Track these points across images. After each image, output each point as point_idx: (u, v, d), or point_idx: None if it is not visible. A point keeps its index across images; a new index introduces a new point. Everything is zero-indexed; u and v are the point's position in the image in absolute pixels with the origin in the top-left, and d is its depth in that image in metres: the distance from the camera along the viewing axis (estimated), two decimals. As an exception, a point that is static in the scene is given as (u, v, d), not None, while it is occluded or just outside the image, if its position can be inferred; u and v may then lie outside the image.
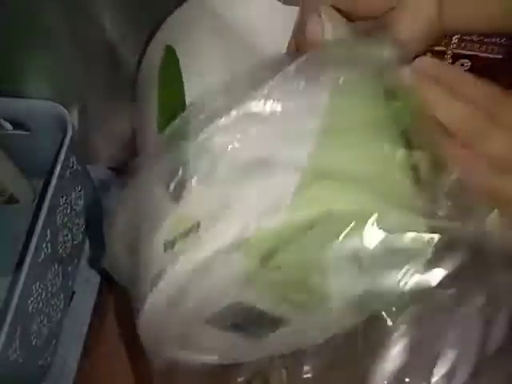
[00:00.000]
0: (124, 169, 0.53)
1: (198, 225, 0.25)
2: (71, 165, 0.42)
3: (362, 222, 0.23)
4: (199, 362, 0.35)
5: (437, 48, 0.41)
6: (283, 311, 0.30)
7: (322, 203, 0.23)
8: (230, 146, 0.25)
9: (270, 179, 0.24)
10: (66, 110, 0.42)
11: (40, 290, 0.38)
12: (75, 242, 0.45)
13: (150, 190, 0.28)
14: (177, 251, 0.25)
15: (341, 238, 0.24)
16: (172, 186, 0.27)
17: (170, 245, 0.25)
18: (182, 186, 0.26)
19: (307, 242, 0.24)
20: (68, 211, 0.42)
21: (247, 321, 0.30)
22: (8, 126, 0.45)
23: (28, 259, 0.35)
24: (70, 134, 0.41)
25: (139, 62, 0.40)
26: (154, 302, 0.27)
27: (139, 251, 0.28)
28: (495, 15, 0.30)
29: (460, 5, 0.29)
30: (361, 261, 0.25)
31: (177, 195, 0.26)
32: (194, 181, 0.26)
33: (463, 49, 0.41)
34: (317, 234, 0.24)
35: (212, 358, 0.35)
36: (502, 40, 0.38)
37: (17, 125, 0.45)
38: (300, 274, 0.26)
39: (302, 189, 0.23)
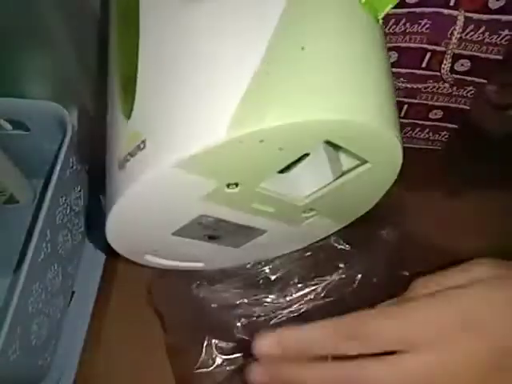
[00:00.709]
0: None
1: (144, 142, 0.24)
2: (71, 165, 0.42)
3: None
4: (186, 269, 0.37)
5: (437, 48, 0.41)
6: (255, 222, 0.31)
7: (271, 117, 0.22)
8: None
9: (215, 82, 0.23)
10: (65, 110, 0.42)
11: (40, 290, 0.38)
12: (75, 242, 0.45)
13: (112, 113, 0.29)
14: (127, 171, 0.25)
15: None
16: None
17: (122, 164, 0.25)
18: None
19: (258, 154, 0.23)
20: (68, 211, 0.42)
21: (220, 231, 0.31)
22: (8, 126, 0.45)
23: (28, 259, 0.35)
24: (69, 134, 0.41)
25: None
26: (116, 221, 0.27)
27: (107, 170, 0.29)
28: None
29: None
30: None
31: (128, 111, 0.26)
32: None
33: (463, 49, 0.41)
34: (268, 146, 0.23)
35: (198, 265, 0.38)
36: (503, 40, 0.38)
37: (17, 125, 0.45)
38: (257, 184, 0.26)
39: (249, 100, 0.22)
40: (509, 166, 0.51)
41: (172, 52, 0.25)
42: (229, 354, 0.40)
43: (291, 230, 0.33)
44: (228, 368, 0.40)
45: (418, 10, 0.38)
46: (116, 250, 0.31)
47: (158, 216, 0.28)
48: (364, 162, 0.27)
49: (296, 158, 0.25)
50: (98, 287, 0.45)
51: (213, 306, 0.40)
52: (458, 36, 0.39)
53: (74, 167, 0.42)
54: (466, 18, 0.37)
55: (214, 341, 0.40)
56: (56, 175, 0.39)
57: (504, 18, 0.36)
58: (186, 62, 0.24)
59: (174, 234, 0.30)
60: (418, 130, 0.50)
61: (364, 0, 0.25)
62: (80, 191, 0.45)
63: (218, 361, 0.40)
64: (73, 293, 0.45)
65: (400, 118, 0.51)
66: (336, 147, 0.29)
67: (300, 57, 0.23)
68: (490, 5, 0.36)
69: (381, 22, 0.27)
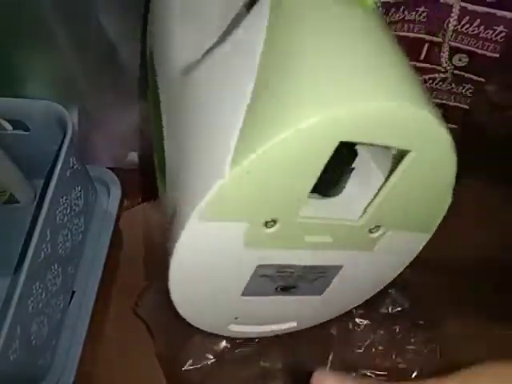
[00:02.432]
0: (124, 169, 0.53)
1: (176, 208, 0.24)
2: (71, 165, 0.42)
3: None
4: (278, 332, 0.33)
5: (435, 39, 0.42)
6: (322, 258, 0.27)
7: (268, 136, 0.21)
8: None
9: (214, 134, 0.23)
10: (65, 110, 0.42)
11: (40, 290, 0.38)
12: (75, 242, 0.45)
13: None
14: (171, 240, 0.24)
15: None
16: None
17: (167, 234, 0.25)
18: None
19: (272, 180, 0.22)
20: (68, 211, 0.42)
21: (291, 280, 0.28)
22: (8, 126, 0.45)
23: (28, 259, 0.35)
24: (69, 133, 0.41)
25: (139, 63, 0.40)
26: (182, 295, 0.27)
27: None
28: None
29: None
30: None
31: None
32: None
33: (460, 42, 0.41)
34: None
35: (290, 326, 0.33)
36: (498, 37, 0.39)
37: (17, 125, 0.45)
38: (296, 214, 0.24)
39: (243, 135, 0.21)
40: (509, 167, 0.51)
41: (181, 124, 0.26)
42: (218, 351, 0.39)
43: (372, 258, 0.28)
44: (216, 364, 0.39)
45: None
46: (200, 327, 0.30)
47: (217, 279, 0.27)
48: (405, 152, 0.23)
49: (316, 171, 0.22)
50: (98, 287, 0.45)
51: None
52: (454, 23, 0.39)
53: (74, 167, 0.42)
54: (461, 7, 0.37)
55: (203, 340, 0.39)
56: (56, 175, 0.39)
57: (499, 12, 0.37)
58: (190, 129, 0.25)
59: (243, 294, 0.28)
60: (418, 129, 0.50)
61: None
62: (80, 191, 0.45)
63: (209, 357, 0.39)
64: (73, 293, 0.45)
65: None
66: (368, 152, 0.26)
67: (285, 74, 0.22)
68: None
69: (377, 8, 0.25)
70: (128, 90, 0.45)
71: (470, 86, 0.45)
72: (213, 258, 0.25)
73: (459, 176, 0.26)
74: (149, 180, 0.54)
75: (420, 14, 0.40)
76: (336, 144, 0.21)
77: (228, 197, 0.22)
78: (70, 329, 0.44)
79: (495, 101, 0.48)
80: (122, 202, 0.50)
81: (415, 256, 0.29)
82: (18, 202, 0.49)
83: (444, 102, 0.47)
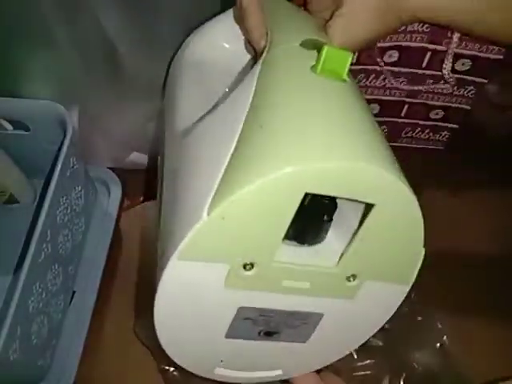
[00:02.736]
0: (124, 169, 0.53)
1: (162, 253, 0.26)
2: (71, 165, 0.42)
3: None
4: (265, 380, 0.34)
5: (438, 48, 0.41)
6: (302, 305, 0.28)
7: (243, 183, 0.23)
8: None
9: (200, 182, 0.26)
10: (66, 110, 0.42)
11: (40, 290, 0.38)
12: (75, 242, 0.45)
13: None
14: (158, 285, 0.26)
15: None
16: None
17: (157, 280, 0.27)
18: None
19: (247, 225, 0.24)
20: (68, 211, 0.42)
21: (273, 324, 0.29)
22: (8, 126, 0.45)
23: (28, 259, 0.35)
24: (70, 134, 0.41)
25: (140, 65, 0.40)
26: (166, 335, 0.28)
27: None
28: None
29: None
30: None
31: None
32: None
33: (464, 48, 0.41)
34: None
35: (276, 374, 0.34)
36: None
37: (17, 125, 0.45)
38: (271, 258, 0.25)
39: (222, 181, 0.24)
40: (509, 167, 0.51)
41: (175, 176, 0.29)
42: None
43: (352, 309, 0.29)
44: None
45: None
46: (184, 368, 0.31)
47: (200, 319, 0.28)
48: (370, 205, 0.25)
49: (287, 220, 0.24)
50: (98, 287, 0.45)
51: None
52: (459, 35, 0.39)
53: (74, 167, 0.42)
54: None
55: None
56: (56, 175, 0.39)
57: None
58: (180, 181, 0.28)
59: (227, 336, 0.29)
60: (418, 130, 0.50)
61: (319, 69, 0.26)
62: (80, 191, 0.45)
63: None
64: (73, 293, 0.45)
65: (400, 117, 0.52)
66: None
67: (259, 134, 0.25)
68: None
69: (348, 78, 0.28)
70: (128, 90, 0.45)
71: (472, 87, 0.45)
72: (195, 298, 0.27)
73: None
74: (149, 180, 0.54)
75: (423, 25, 0.40)
76: (302, 195, 0.23)
77: (205, 239, 0.24)
78: (70, 329, 0.44)
79: (496, 101, 0.48)
80: (122, 201, 0.50)
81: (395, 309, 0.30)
82: (18, 202, 0.49)
83: (446, 104, 0.47)
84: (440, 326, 0.44)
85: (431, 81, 0.45)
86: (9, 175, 0.47)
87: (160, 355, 0.42)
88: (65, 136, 0.41)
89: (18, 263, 0.45)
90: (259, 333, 0.29)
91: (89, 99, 0.45)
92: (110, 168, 0.51)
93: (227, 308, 0.27)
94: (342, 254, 0.27)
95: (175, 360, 0.30)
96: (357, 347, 0.32)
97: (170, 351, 0.29)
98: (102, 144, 0.50)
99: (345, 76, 0.27)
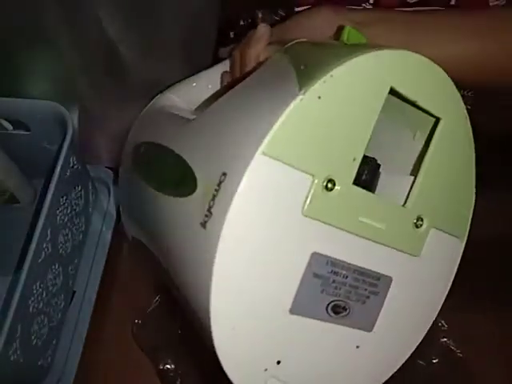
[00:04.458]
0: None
1: (222, 180, 0.23)
2: (71, 165, 0.42)
3: None
4: None
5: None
6: (374, 261, 0.28)
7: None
8: None
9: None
10: (66, 110, 0.42)
11: (40, 290, 0.38)
12: (75, 242, 0.45)
13: None
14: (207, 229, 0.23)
15: None
16: None
17: (203, 224, 0.24)
18: None
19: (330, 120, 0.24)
20: (68, 211, 0.42)
21: (342, 291, 0.27)
22: (8, 125, 0.45)
23: (28, 259, 0.35)
24: (70, 134, 0.41)
25: (140, 65, 0.40)
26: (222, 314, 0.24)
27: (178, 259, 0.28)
28: None
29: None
30: None
31: None
32: None
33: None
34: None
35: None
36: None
37: (17, 125, 0.45)
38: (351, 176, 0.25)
39: None
40: (509, 167, 0.51)
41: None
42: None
43: (419, 272, 0.30)
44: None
45: (419, 9, 0.39)
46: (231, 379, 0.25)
47: (268, 271, 0.24)
48: (435, 120, 0.28)
49: (374, 115, 0.25)
50: (98, 287, 0.45)
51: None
52: None
53: (74, 167, 0.42)
54: None
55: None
56: (56, 175, 0.39)
57: None
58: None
59: (292, 311, 0.25)
60: (418, 129, 0.50)
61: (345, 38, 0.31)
62: (80, 191, 0.45)
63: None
64: (73, 293, 0.45)
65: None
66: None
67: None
68: (490, 3, 0.36)
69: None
70: (128, 90, 0.45)
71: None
72: (271, 221, 0.23)
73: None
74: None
75: None
76: (388, 88, 0.25)
77: (298, 126, 0.22)
78: (70, 329, 0.44)
79: (496, 101, 0.48)
80: (122, 201, 0.50)
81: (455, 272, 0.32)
82: (18, 202, 0.49)
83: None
84: (441, 324, 0.44)
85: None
86: (9, 175, 0.47)
87: (156, 357, 0.42)
88: (65, 136, 0.41)
89: (18, 263, 0.45)
90: (327, 308, 0.27)
91: (89, 99, 0.45)
92: (110, 168, 0.51)
93: (301, 248, 0.25)
94: (409, 192, 0.28)
95: (223, 360, 0.24)
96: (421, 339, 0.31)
97: (221, 350, 0.24)
98: (102, 144, 0.50)
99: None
